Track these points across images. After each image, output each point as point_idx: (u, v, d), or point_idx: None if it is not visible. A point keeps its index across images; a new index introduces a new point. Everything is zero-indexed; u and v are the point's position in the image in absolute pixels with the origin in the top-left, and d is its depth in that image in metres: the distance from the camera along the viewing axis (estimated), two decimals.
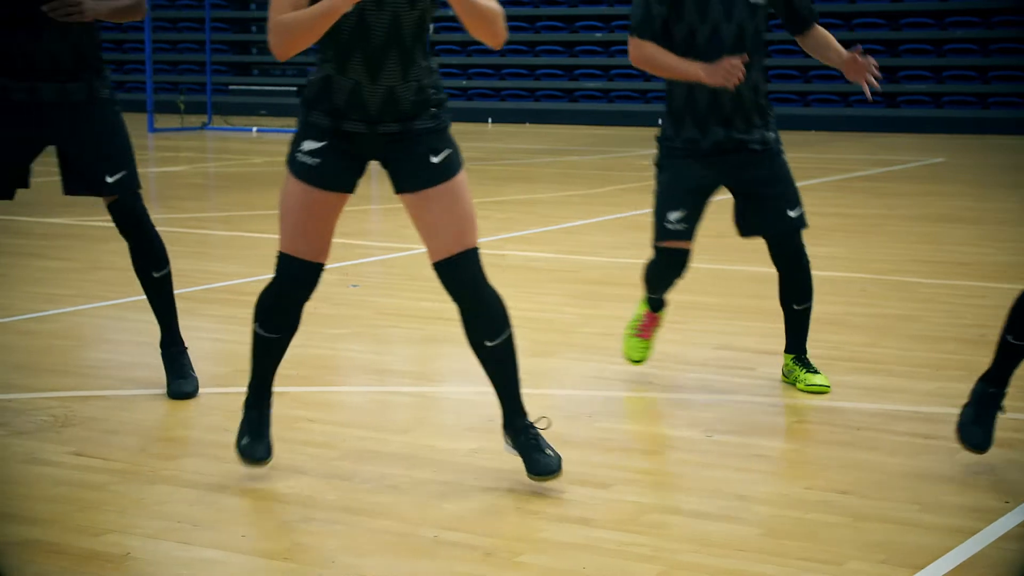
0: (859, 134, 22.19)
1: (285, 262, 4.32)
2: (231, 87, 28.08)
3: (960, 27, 22.63)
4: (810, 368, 5.48)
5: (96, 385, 5.59)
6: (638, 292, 7.62)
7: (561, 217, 11.22)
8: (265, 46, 28.68)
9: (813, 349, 6.18)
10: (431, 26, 4.22)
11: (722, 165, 5.28)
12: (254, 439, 4.42)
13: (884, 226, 10.69)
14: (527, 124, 25.01)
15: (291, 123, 23.97)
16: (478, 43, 26.81)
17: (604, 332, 6.54)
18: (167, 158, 17.24)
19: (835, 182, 14.47)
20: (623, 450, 4.72)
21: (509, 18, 23.84)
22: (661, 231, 5.35)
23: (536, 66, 25.67)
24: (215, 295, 7.71)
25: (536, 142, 21.18)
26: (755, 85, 5.25)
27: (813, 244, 9.37)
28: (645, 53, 5.20)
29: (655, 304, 5.77)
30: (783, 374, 5.58)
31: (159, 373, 5.78)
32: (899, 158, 17.85)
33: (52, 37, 4.99)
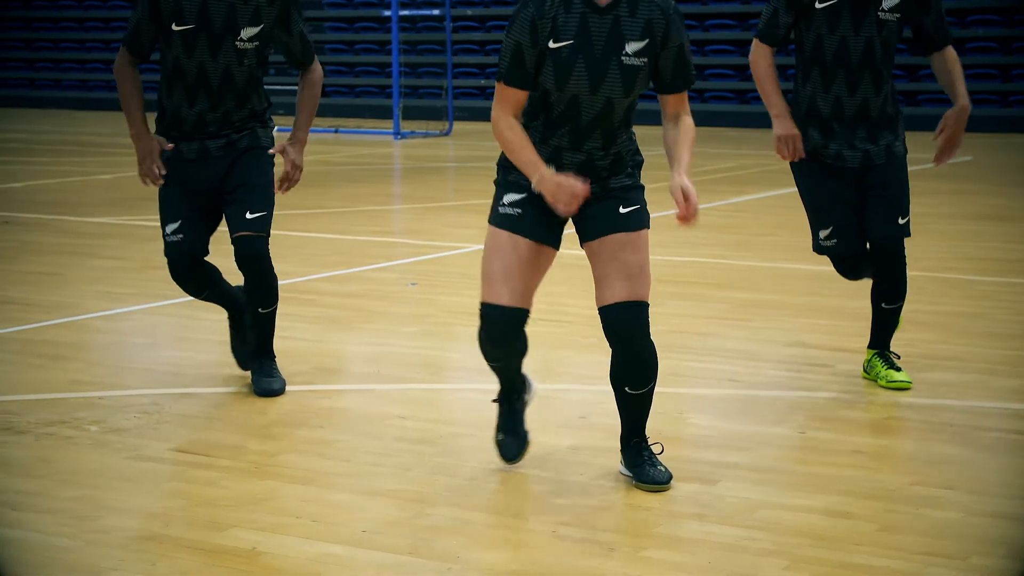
0: None
1: (488, 311, 4.28)
2: None
3: (981, 25, 22.65)
4: (892, 364, 5.52)
5: (180, 383, 5.62)
6: (697, 290, 7.68)
7: None
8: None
9: None
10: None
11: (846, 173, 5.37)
12: (509, 434, 4.51)
13: (926, 224, 10.69)
14: None
15: (315, 123, 24.04)
16: (496, 42, 26.87)
17: (673, 330, 6.57)
18: None
19: None
20: (720, 447, 4.75)
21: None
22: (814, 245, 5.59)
23: None
24: None
25: None
26: (884, 97, 5.31)
27: None
28: (757, 61, 5.36)
29: None
30: (864, 370, 5.61)
31: (236, 372, 5.83)
32: (923, 156, 17.79)
33: (229, 105, 5.28)
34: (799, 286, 7.87)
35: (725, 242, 9.50)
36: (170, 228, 5.35)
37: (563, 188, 4.06)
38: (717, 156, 16.82)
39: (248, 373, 5.57)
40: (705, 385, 5.63)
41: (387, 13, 25.20)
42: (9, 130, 21.80)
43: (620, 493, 4.25)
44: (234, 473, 4.44)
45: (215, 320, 6.87)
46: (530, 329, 6.67)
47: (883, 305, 5.52)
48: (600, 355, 6.03)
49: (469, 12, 25.29)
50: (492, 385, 5.64)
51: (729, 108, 23.20)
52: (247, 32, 5.21)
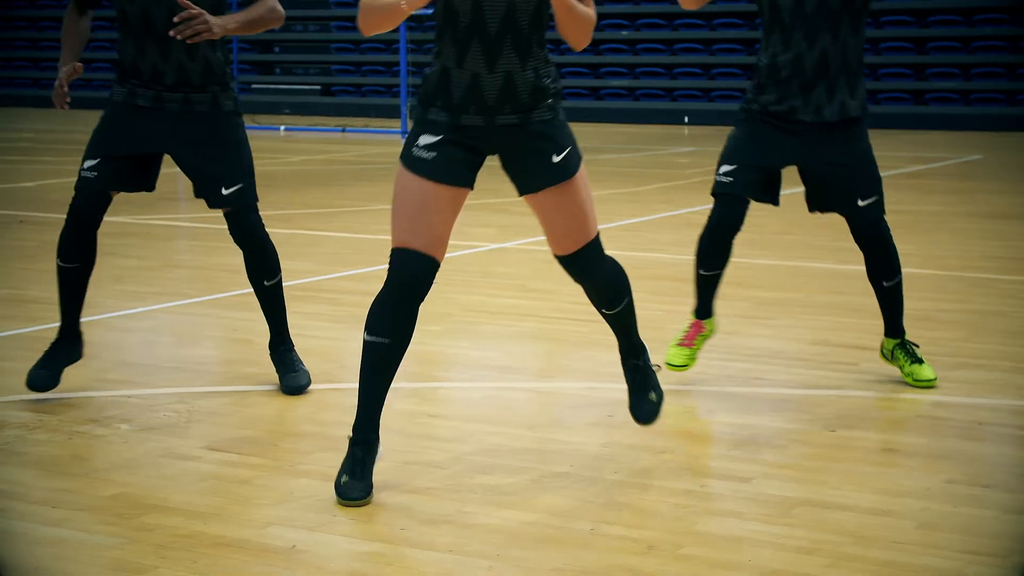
0: (886, 131, 22.20)
1: (399, 256, 4.17)
2: (254, 86, 28.10)
3: (988, 24, 22.65)
4: (915, 357, 5.50)
5: (208, 381, 5.63)
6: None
7: (616, 215, 11.24)
8: (287, 45, 28.74)
9: None
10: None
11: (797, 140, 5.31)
12: (353, 477, 4.14)
13: (945, 223, 10.73)
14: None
15: (318, 122, 24.10)
16: None
17: None
18: None
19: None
20: (751, 444, 4.75)
21: None
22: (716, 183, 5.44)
23: (562, 64, 25.68)
24: (294, 292, 7.72)
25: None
26: (844, 56, 5.23)
27: None
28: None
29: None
30: (882, 354, 5.61)
31: (266, 369, 5.83)
32: (933, 155, 17.87)
33: (181, 54, 5.09)
34: (820, 284, 7.87)
35: (742, 240, 9.43)
36: (88, 163, 5.16)
37: None
38: None
39: (265, 366, 5.56)
40: (732, 383, 5.64)
41: None
42: (16, 129, 21.84)
43: (655, 491, 4.25)
44: (268, 471, 4.45)
45: (237, 318, 6.89)
46: (551, 327, 6.73)
47: (883, 283, 5.49)
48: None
49: None
50: (523, 383, 5.67)
51: (737, 107, 23.24)
52: None
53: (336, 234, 10.21)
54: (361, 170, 15.97)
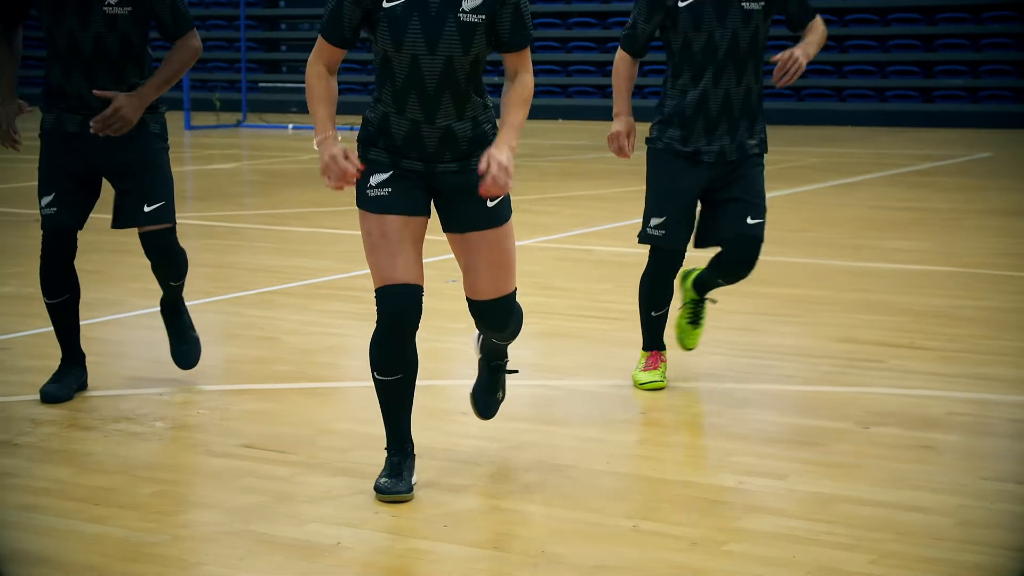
0: (893, 129, 22.22)
1: (384, 295, 4.17)
2: (261, 84, 28.13)
3: (996, 22, 22.66)
4: (695, 319, 5.71)
5: (238, 379, 5.64)
6: (739, 286, 7.68)
7: (631, 212, 11.24)
8: (294, 43, 28.74)
9: (932, 342, 6.26)
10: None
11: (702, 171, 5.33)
12: (392, 478, 4.22)
13: (960, 220, 10.74)
14: (559, 120, 25.07)
15: None
16: None
17: (723, 326, 6.59)
18: (212, 156, 17.31)
19: (889, 177, 14.53)
20: (785, 442, 4.77)
21: (541, 14, 23.99)
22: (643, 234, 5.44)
23: (568, 62, 25.72)
24: (317, 290, 7.77)
25: (574, 138, 21.24)
26: (748, 89, 5.27)
27: (895, 238, 9.55)
28: (617, 67, 5.39)
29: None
30: (683, 279, 5.73)
31: (295, 367, 5.87)
32: (941, 153, 17.89)
33: (106, 80, 5.09)
34: (843, 282, 7.89)
35: None
36: (45, 200, 5.21)
37: (334, 166, 4.00)
38: None
39: (293, 364, 5.58)
40: (761, 381, 5.65)
41: None
42: (26, 128, 21.83)
43: (693, 488, 4.27)
44: (307, 468, 4.46)
45: (262, 316, 6.91)
46: (575, 325, 6.75)
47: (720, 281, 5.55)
48: None
49: None
50: (551, 381, 5.68)
51: None
52: None
53: (352, 232, 10.20)
54: None
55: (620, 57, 5.42)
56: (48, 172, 5.22)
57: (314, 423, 5.07)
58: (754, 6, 5.17)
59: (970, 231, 10.10)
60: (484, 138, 4.18)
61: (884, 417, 5.07)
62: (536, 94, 25.30)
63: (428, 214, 4.23)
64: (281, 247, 9.28)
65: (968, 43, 22.79)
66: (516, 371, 4.80)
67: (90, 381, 5.47)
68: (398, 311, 4.15)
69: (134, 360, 5.99)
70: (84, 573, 3.59)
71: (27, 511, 4.03)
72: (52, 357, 6.06)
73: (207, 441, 4.76)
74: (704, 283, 5.61)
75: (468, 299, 4.35)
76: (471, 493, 4.23)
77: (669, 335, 5.70)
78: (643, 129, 5.41)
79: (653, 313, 5.52)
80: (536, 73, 26.19)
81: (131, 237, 9.56)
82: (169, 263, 5.43)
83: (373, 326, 6.64)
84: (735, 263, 5.39)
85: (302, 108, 26.50)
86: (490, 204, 4.19)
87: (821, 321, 6.80)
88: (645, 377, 5.45)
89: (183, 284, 5.55)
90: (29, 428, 4.88)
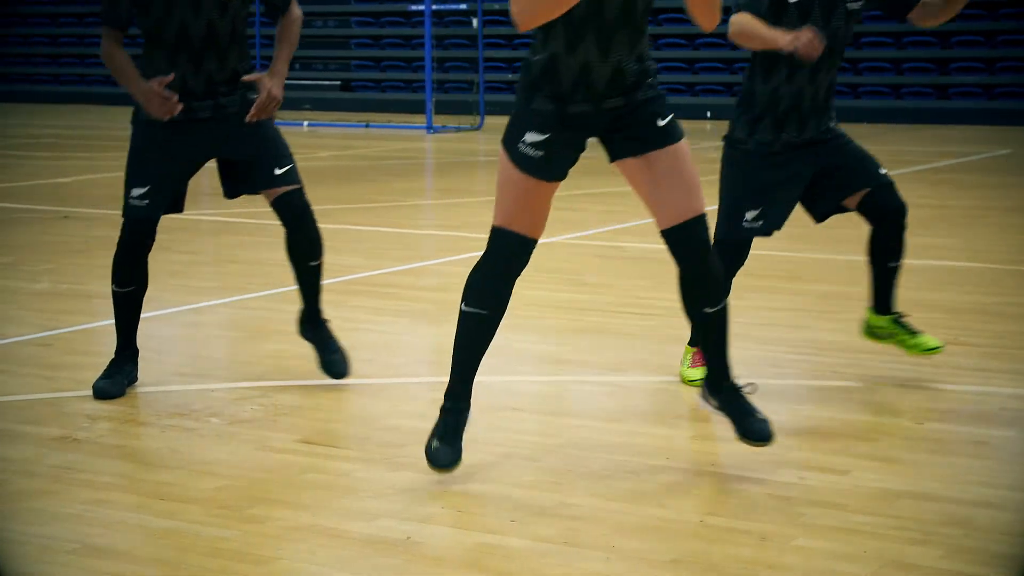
0: (909, 126, 22.20)
1: (500, 236, 4.29)
2: None
3: (1012, 19, 22.63)
4: (912, 330, 5.57)
5: (286, 375, 5.64)
6: (771, 283, 7.70)
7: (646, 212, 11.25)
8: (307, 40, 28.72)
9: (975, 338, 6.27)
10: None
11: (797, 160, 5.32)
12: (444, 443, 4.28)
13: (984, 218, 10.73)
14: None
15: (340, 117, 24.11)
16: (524, 36, 26.89)
17: (762, 322, 6.60)
18: None
19: (910, 174, 14.51)
20: (843, 437, 4.76)
21: None
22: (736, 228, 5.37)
23: None
24: (349, 287, 7.76)
25: None
26: (830, 85, 5.31)
27: (920, 235, 9.52)
28: (741, 22, 5.14)
29: None
30: (868, 331, 5.64)
31: None
32: (960, 150, 17.86)
33: (211, 66, 5.13)
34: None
35: (784, 234, 9.49)
36: (136, 192, 5.20)
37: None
38: None
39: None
40: (808, 377, 5.66)
41: (414, 8, 25.24)
42: (38, 126, 21.86)
43: (756, 484, 4.27)
44: (367, 464, 4.47)
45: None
46: (616, 321, 6.75)
47: (888, 264, 5.51)
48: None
49: (497, 7, 25.30)
50: (598, 377, 5.67)
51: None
52: None
53: (378, 228, 10.24)
54: (390, 165, 15.99)
55: (742, 15, 5.18)
56: (143, 163, 5.21)
57: (367, 419, 5.08)
58: (855, 5, 5.22)
59: (994, 228, 10.08)
60: (647, 72, 4.18)
61: (937, 413, 5.07)
62: None
63: (566, 176, 4.26)
64: None
65: (984, 40, 22.77)
66: (753, 387, 4.63)
67: (139, 378, 5.48)
68: (510, 254, 4.29)
69: (178, 356, 6.00)
70: (158, 567, 3.60)
71: (94, 505, 4.04)
72: (95, 353, 6.08)
73: (263, 437, 4.77)
74: (884, 299, 5.57)
75: (665, 233, 4.24)
76: (535, 488, 4.23)
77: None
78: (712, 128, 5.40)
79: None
80: None
81: (168, 234, 9.60)
82: (308, 227, 5.34)
83: (413, 323, 6.73)
84: (884, 215, 5.39)
85: (316, 105, 26.51)
86: (661, 123, 4.17)
87: (859, 317, 6.76)
88: (696, 374, 5.44)
89: (321, 268, 5.44)
90: (86, 424, 4.89)
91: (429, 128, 20.58)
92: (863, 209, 5.42)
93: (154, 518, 3.94)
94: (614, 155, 4.27)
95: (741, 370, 5.67)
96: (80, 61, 28.88)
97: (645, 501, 4.11)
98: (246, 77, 5.17)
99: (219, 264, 8.34)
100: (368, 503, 4.09)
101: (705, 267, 4.29)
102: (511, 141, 4.21)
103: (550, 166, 4.20)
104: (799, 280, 7.80)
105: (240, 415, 5.03)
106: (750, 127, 5.31)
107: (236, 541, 3.77)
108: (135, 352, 5.41)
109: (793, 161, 5.32)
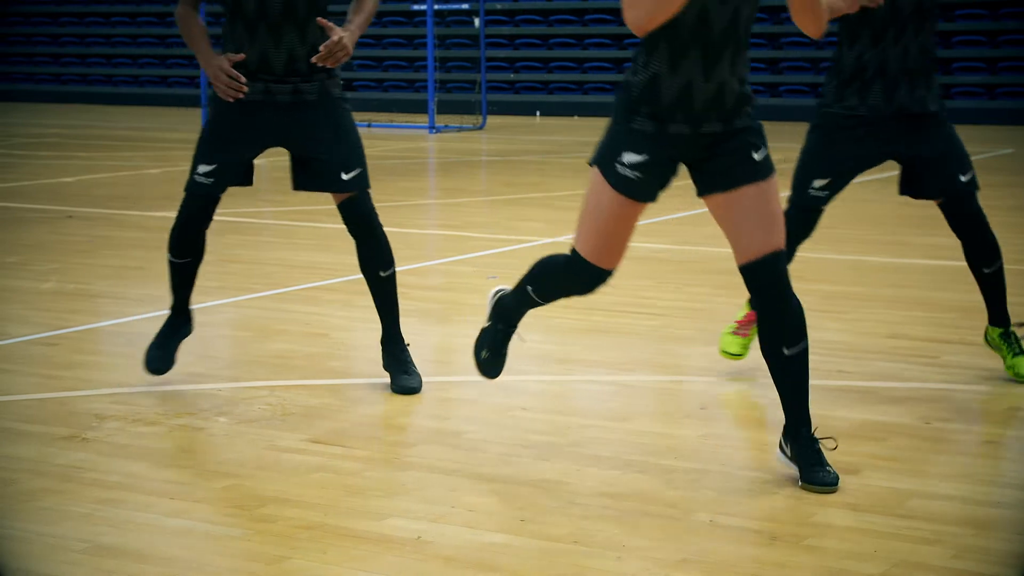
0: None
1: (585, 268, 4.33)
2: None
3: (1013, 19, 22.63)
4: (1018, 350, 5.49)
5: (294, 375, 5.64)
6: None
7: (661, 209, 11.23)
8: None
9: (982, 337, 6.24)
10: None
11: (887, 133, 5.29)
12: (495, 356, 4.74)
13: (989, 216, 10.66)
14: (576, 117, 25.06)
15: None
16: (526, 36, 26.92)
17: None
18: None
19: None
20: (851, 437, 4.76)
21: (557, 11, 23.74)
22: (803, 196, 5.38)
23: (584, 59, 25.71)
24: (360, 287, 7.52)
25: (592, 135, 21.20)
26: (922, 50, 5.23)
27: (927, 235, 9.54)
28: None
29: None
30: (986, 340, 5.61)
31: (348, 363, 5.88)
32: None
33: (292, 40, 5.06)
34: (879, 278, 7.88)
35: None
36: (203, 169, 5.16)
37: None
38: None
39: (346, 359, 5.58)
40: (816, 376, 5.61)
41: (416, 7, 25.24)
42: (41, 125, 21.86)
43: (765, 483, 4.27)
44: (375, 464, 4.47)
45: (307, 313, 6.91)
46: (622, 321, 6.75)
47: (984, 270, 5.50)
48: (701, 346, 6.09)
49: (499, 6, 25.32)
50: (605, 376, 5.66)
51: (761, 100, 23.21)
52: None
53: (395, 228, 10.21)
54: (392, 165, 15.98)
55: None
56: (215, 141, 5.18)
57: (374, 418, 5.08)
58: None
59: (998, 227, 9.86)
60: (747, 98, 4.16)
61: (946, 413, 5.06)
62: (552, 90, 25.05)
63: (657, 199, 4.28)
64: (318, 243, 9.28)
65: (986, 39, 22.77)
66: (834, 443, 4.39)
67: (142, 377, 5.47)
68: (590, 286, 4.43)
69: (184, 355, 5.96)
70: (170, 566, 3.60)
71: (103, 505, 4.04)
72: (102, 353, 6.10)
73: (272, 436, 4.76)
74: (993, 309, 5.53)
75: (742, 268, 4.19)
76: (543, 488, 4.24)
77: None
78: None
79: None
80: (551, 70, 25.94)
81: (162, 233, 9.60)
82: (374, 232, 5.28)
83: (421, 323, 6.72)
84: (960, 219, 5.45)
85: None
86: (756, 156, 4.15)
87: (864, 317, 6.79)
88: (733, 347, 5.47)
89: (394, 280, 5.39)
90: (94, 423, 4.89)
91: (431, 128, 20.57)
92: (943, 212, 5.44)
93: (164, 517, 3.94)
94: (703, 188, 4.22)
95: (746, 367, 5.69)
96: (81, 60, 28.88)
97: (655, 500, 4.11)
98: (320, 20, 5.02)
99: (221, 264, 8.32)
100: (377, 502, 4.09)
101: (783, 304, 4.18)
102: (606, 161, 4.20)
103: (647, 187, 4.18)
104: (803, 280, 7.72)
105: (248, 415, 5.03)
106: (837, 93, 5.30)
107: (247, 540, 3.77)
108: (189, 316, 5.50)
109: (874, 139, 5.27)
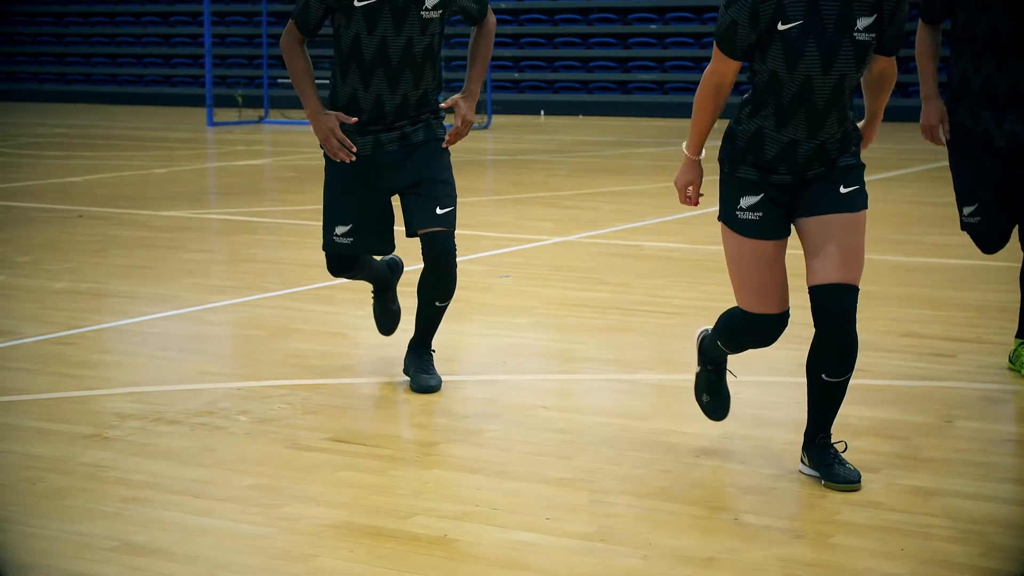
0: (916, 124, 22.17)
1: (758, 321, 4.35)
2: (280, 80, 28.12)
3: None
4: None
5: (310, 374, 5.64)
6: (791, 282, 7.68)
7: (671, 208, 11.24)
8: (315, 39, 28.76)
9: (999, 336, 6.26)
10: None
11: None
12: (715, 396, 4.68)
13: None
14: (580, 116, 25.06)
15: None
16: (530, 35, 26.93)
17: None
18: (237, 152, 17.32)
19: (923, 172, 14.53)
20: (871, 436, 4.76)
21: (562, 10, 23.71)
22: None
23: (589, 58, 25.72)
24: (361, 286, 7.74)
25: (598, 134, 21.22)
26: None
27: (939, 234, 9.55)
28: (920, 40, 5.44)
29: None
30: (1009, 360, 5.62)
31: (364, 362, 5.90)
32: None
33: (407, 85, 5.11)
34: (892, 277, 7.88)
35: (792, 234, 9.51)
36: (340, 230, 5.25)
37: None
38: None
39: (363, 358, 5.59)
40: None
41: None
42: (45, 124, 21.86)
43: (788, 481, 4.28)
44: (399, 462, 4.47)
45: (322, 312, 6.92)
46: (637, 320, 6.76)
47: None
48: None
49: (503, 5, 25.31)
50: (622, 375, 5.67)
51: None
52: (431, 0, 5.05)
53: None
54: None
55: (920, 29, 5.39)
56: (341, 199, 5.25)
57: (394, 417, 5.08)
58: None
59: None
60: (849, 140, 4.23)
61: (966, 411, 5.07)
62: (557, 90, 24.94)
63: (788, 234, 4.31)
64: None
65: None
66: (844, 445, 4.40)
67: (164, 376, 5.48)
68: (769, 335, 4.38)
69: (200, 355, 6.00)
70: (198, 564, 3.60)
71: (129, 503, 4.05)
72: (119, 352, 6.10)
73: (293, 435, 4.77)
74: None
75: (809, 290, 4.23)
76: (567, 486, 4.24)
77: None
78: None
79: None
80: (556, 69, 25.82)
81: (182, 233, 9.64)
82: (446, 270, 5.25)
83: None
84: None
85: (325, 104, 26.50)
86: (844, 190, 4.20)
87: (878, 316, 6.79)
88: None
89: (445, 311, 5.39)
90: (116, 422, 4.90)
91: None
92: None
93: (190, 516, 3.95)
94: (797, 212, 4.28)
95: (761, 367, 5.69)
96: (86, 60, 28.89)
97: (679, 499, 4.12)
98: (444, 104, 5.21)
99: (234, 263, 8.34)
100: (402, 501, 4.09)
101: (839, 337, 4.20)
102: (728, 212, 4.28)
103: (770, 224, 4.24)
104: None
105: (268, 413, 5.03)
106: (950, 108, 5.42)
107: (274, 539, 3.78)
108: (387, 276, 5.75)
109: (988, 158, 5.37)
